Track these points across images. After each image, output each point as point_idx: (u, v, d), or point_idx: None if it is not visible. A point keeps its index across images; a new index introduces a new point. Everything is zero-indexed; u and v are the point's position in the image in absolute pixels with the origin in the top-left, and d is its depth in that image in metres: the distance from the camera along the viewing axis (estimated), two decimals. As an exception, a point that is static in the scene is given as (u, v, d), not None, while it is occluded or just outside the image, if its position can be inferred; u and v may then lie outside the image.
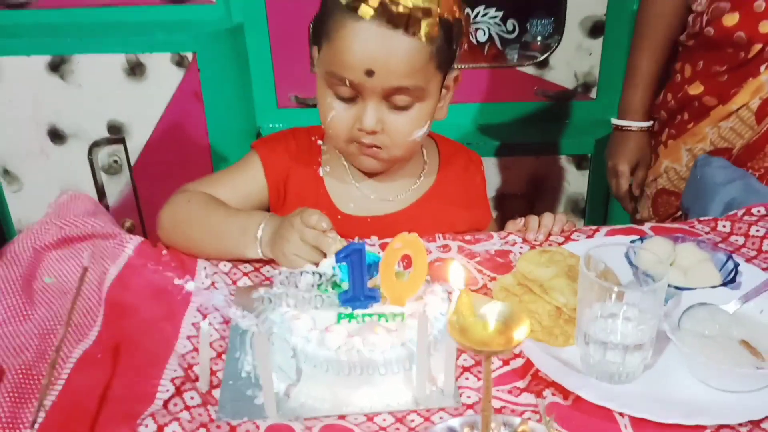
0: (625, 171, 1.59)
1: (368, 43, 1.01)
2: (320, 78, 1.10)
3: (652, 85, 1.55)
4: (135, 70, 1.77)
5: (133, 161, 1.88)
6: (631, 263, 0.92)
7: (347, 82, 1.05)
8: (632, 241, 1.01)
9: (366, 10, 0.99)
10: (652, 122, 1.57)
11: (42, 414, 0.80)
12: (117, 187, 1.92)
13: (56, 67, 1.77)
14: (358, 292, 0.85)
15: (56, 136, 1.85)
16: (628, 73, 1.58)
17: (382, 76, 1.03)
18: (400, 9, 0.99)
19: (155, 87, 1.79)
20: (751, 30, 1.32)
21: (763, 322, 0.86)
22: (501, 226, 1.23)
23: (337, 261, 0.85)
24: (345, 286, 0.87)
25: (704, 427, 0.76)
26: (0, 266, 1.05)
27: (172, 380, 0.85)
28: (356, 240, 1.00)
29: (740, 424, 0.77)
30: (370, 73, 1.02)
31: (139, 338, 0.94)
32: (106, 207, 1.91)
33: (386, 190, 1.22)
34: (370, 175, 1.20)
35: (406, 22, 1.00)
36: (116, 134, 1.84)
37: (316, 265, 0.96)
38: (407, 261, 0.88)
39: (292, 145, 1.21)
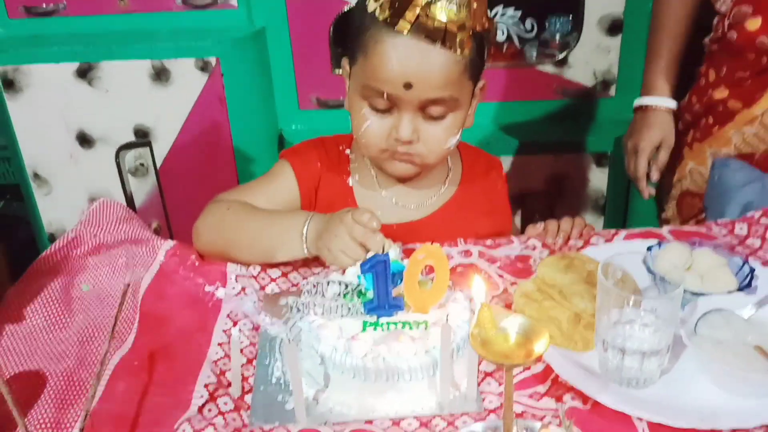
0: (646, 149, 1.52)
1: (406, 58, 1.04)
2: (354, 90, 1.13)
3: (674, 64, 1.51)
4: (160, 75, 1.81)
5: (159, 164, 1.91)
6: (649, 270, 0.95)
7: (385, 95, 1.07)
8: (650, 247, 1.03)
9: (403, 25, 1.02)
10: (677, 103, 1.53)
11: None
12: (143, 189, 1.96)
13: (84, 73, 1.81)
14: (383, 301, 0.89)
15: (84, 140, 1.89)
16: (648, 54, 1.55)
17: (419, 88, 1.06)
18: (436, 24, 1.02)
19: (180, 92, 1.83)
20: None
21: (777, 327, 0.89)
22: (522, 224, 1.25)
23: (362, 272, 0.89)
24: (370, 295, 0.90)
25: (719, 431, 0.79)
26: (39, 275, 1.10)
27: (206, 386, 0.89)
28: (397, 247, 1.02)
29: (755, 428, 0.79)
30: (408, 86, 1.05)
31: (174, 345, 0.98)
32: (134, 209, 1.96)
33: (413, 197, 1.24)
34: (398, 182, 1.23)
35: (442, 37, 1.02)
36: (142, 138, 1.88)
37: (343, 272, 0.99)
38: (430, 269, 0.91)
39: (323, 154, 1.24)
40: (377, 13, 1.04)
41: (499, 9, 1.89)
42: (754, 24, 1.34)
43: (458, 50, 1.04)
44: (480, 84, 1.15)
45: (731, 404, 0.82)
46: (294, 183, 1.22)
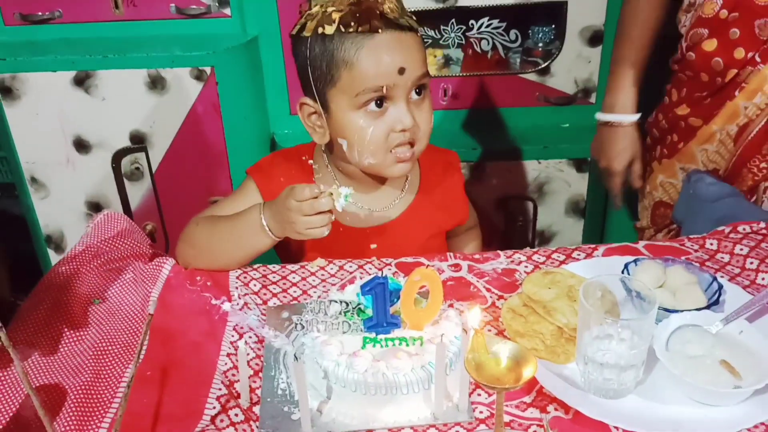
0: (621, 170, 1.60)
1: (391, 48, 1.16)
2: (344, 109, 1.19)
3: (637, 81, 1.54)
4: (156, 83, 1.85)
5: (154, 168, 1.97)
6: (626, 287, 1.02)
7: (384, 89, 1.16)
8: (627, 264, 1.11)
9: (377, 25, 1.14)
10: (639, 114, 1.57)
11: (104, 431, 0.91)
12: (139, 193, 2.01)
13: (81, 81, 1.85)
14: (381, 319, 0.96)
15: (81, 146, 1.94)
16: (612, 70, 1.57)
17: (411, 69, 1.17)
18: (395, 15, 1.15)
19: (175, 99, 1.88)
20: (728, 56, 1.39)
21: (741, 342, 0.97)
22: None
23: (363, 293, 0.96)
24: (369, 312, 0.97)
25: (688, 439, 0.87)
26: (51, 288, 1.15)
27: (218, 398, 0.95)
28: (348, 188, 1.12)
29: (720, 436, 0.88)
30: (402, 71, 1.16)
31: (185, 357, 1.04)
32: (130, 211, 2.02)
33: (376, 202, 1.33)
34: (361, 190, 1.31)
35: (408, 24, 1.16)
36: (138, 144, 1.93)
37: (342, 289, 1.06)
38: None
39: (285, 168, 1.31)
40: (342, 30, 1.14)
41: (484, 20, 1.95)
42: (710, 45, 1.41)
43: (417, 30, 1.18)
44: None
45: (700, 414, 0.90)
46: (259, 198, 1.29)
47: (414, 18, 1.19)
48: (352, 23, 1.13)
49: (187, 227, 1.28)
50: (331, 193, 1.10)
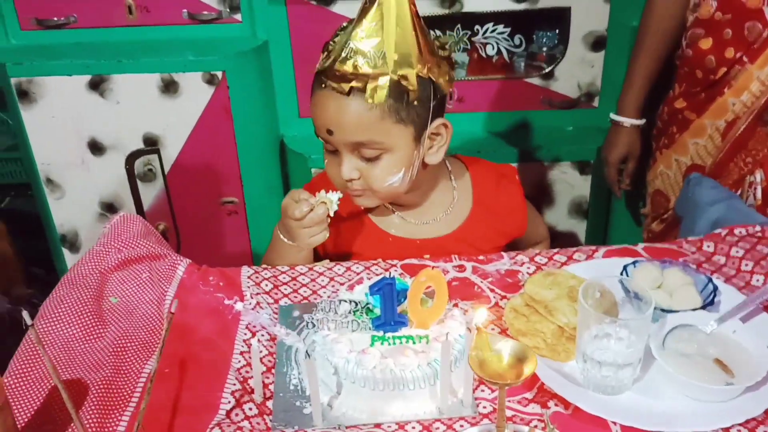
0: (613, 162, 1.80)
1: (325, 107, 1.19)
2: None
3: (644, 88, 1.71)
4: (169, 87, 1.90)
5: (166, 169, 2.02)
6: (624, 288, 1.06)
7: (321, 138, 1.23)
8: (626, 265, 1.15)
9: (321, 80, 1.18)
10: (643, 120, 1.75)
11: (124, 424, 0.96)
12: (151, 193, 2.06)
13: (96, 85, 1.90)
14: (388, 318, 1.00)
15: (96, 148, 1.98)
16: (626, 75, 1.74)
17: (339, 133, 1.19)
18: (347, 77, 1.14)
19: (188, 103, 1.92)
20: (720, 55, 1.49)
21: (735, 341, 1.01)
22: None
23: (371, 293, 1.00)
24: (377, 312, 1.02)
25: (682, 434, 0.92)
26: (71, 289, 1.19)
27: (233, 393, 1.00)
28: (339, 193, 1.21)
29: (713, 431, 0.92)
30: (329, 132, 1.20)
31: (200, 353, 1.09)
32: (142, 211, 2.06)
33: (423, 216, 1.37)
34: (405, 206, 1.36)
35: (348, 89, 1.15)
36: (151, 146, 1.98)
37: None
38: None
39: (329, 182, 1.33)
40: (318, 67, 1.19)
41: (489, 26, 1.99)
42: (705, 44, 1.51)
43: (369, 99, 1.15)
44: (436, 123, 1.24)
45: (693, 409, 0.95)
46: None
47: (397, 87, 1.15)
48: (322, 65, 1.17)
49: None
50: (324, 202, 1.19)
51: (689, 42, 1.56)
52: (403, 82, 1.16)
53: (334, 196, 1.20)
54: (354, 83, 1.14)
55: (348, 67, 1.14)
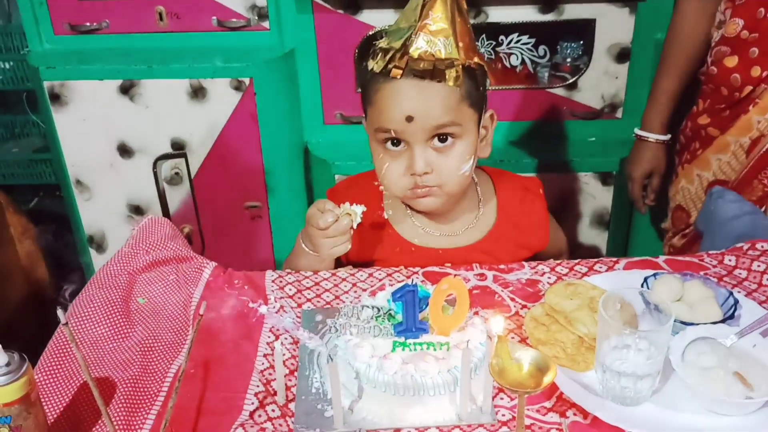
0: (638, 177, 1.79)
1: (403, 95, 1.20)
2: (371, 138, 1.28)
3: (669, 103, 1.72)
4: (197, 93, 1.93)
5: (193, 173, 2.05)
6: (645, 300, 1.07)
7: (392, 132, 1.22)
8: (646, 278, 1.16)
9: (396, 72, 1.18)
10: (668, 136, 1.74)
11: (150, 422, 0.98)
12: (178, 196, 2.09)
13: (126, 90, 1.94)
14: (410, 324, 1.02)
15: (125, 151, 2.03)
16: (651, 90, 1.75)
17: (421, 119, 1.20)
18: (424, 65, 1.16)
19: (215, 108, 1.96)
20: (746, 73, 1.49)
21: (754, 355, 1.01)
22: None
23: (393, 300, 1.02)
24: (399, 318, 1.03)
25: (700, 446, 0.92)
26: (100, 289, 1.22)
27: (256, 394, 1.02)
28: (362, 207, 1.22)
29: (731, 443, 0.92)
30: (410, 119, 1.19)
31: (224, 355, 1.11)
32: (168, 214, 2.10)
33: (448, 227, 1.38)
34: (430, 215, 1.37)
35: (431, 74, 1.17)
36: (179, 150, 2.01)
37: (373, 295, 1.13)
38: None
39: (354, 191, 1.36)
40: (375, 68, 1.20)
41: (514, 36, 2.01)
42: (731, 62, 1.52)
43: (450, 82, 1.17)
44: (488, 114, 1.29)
45: (712, 422, 0.95)
46: None
47: (470, 71, 1.20)
48: (383, 63, 1.18)
49: None
50: (349, 213, 1.21)
51: (714, 59, 1.56)
52: (474, 67, 1.20)
53: (358, 209, 1.21)
54: (437, 65, 1.17)
55: (426, 54, 1.15)
